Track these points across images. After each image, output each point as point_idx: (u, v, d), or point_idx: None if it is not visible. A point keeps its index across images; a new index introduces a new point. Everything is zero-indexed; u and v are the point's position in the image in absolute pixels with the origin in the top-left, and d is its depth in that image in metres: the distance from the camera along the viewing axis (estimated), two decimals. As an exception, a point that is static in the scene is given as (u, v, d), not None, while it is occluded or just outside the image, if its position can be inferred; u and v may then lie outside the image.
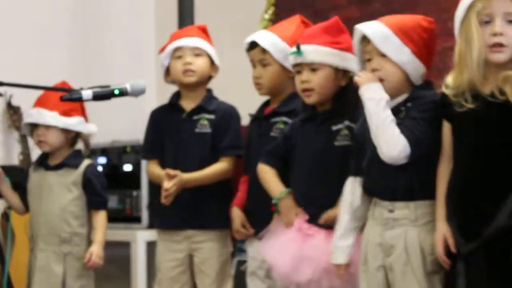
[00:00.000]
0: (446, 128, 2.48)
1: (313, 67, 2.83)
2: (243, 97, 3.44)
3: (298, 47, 2.82)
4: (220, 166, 3.28)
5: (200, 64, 3.33)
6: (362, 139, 2.63)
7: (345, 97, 2.84)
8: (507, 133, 2.31)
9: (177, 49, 3.35)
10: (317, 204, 2.81)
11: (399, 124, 2.50)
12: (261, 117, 3.16)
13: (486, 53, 2.34)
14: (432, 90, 2.61)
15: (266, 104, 3.22)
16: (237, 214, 3.17)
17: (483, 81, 2.36)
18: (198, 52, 3.34)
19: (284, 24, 3.17)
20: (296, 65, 2.87)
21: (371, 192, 2.64)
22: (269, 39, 3.09)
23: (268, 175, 2.96)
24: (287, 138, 2.94)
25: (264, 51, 3.09)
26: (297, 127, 2.93)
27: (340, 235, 2.68)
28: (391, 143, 2.48)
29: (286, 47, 3.02)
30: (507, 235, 2.28)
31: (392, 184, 2.55)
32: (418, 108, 2.54)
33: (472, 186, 2.36)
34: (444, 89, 2.44)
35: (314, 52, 2.82)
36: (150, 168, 3.39)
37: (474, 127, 2.37)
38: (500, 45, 2.33)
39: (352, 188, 2.68)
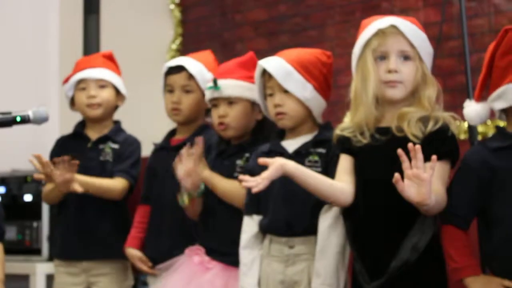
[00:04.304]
0: (344, 160, 2.44)
1: (230, 101, 2.82)
2: (147, 126, 3.39)
3: (215, 82, 2.81)
4: (111, 182, 3.19)
5: (104, 96, 3.28)
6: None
7: (261, 131, 2.83)
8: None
9: (81, 80, 3.28)
10: (217, 237, 2.80)
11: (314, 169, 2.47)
12: (169, 148, 3.12)
13: (382, 89, 2.34)
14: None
15: (171, 133, 3.18)
16: (131, 255, 3.15)
17: (380, 118, 2.37)
18: (102, 84, 3.28)
19: (203, 54, 3.16)
20: (212, 99, 2.85)
21: (267, 229, 2.62)
22: (196, 67, 3.07)
23: None
24: None
25: (190, 77, 3.06)
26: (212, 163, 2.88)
27: (244, 273, 2.64)
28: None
29: (210, 77, 2.98)
30: (410, 270, 2.28)
31: (291, 221, 2.54)
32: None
33: (375, 224, 2.34)
34: (338, 132, 2.43)
35: (231, 86, 2.81)
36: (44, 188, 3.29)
37: (372, 162, 2.36)
38: (395, 82, 2.34)
39: (248, 227, 2.66)
